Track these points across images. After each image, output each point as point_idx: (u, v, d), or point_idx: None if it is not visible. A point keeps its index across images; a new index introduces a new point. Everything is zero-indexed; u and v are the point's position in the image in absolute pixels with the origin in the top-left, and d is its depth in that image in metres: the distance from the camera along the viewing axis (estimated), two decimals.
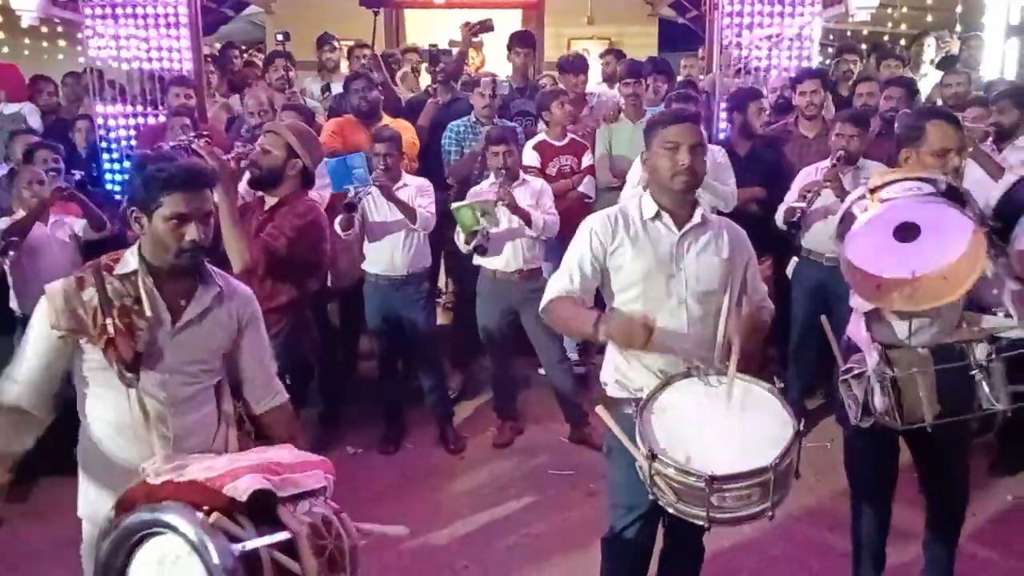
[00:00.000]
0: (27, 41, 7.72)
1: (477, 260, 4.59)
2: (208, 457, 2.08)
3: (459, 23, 5.94)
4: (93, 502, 2.28)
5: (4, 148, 5.11)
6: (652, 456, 2.24)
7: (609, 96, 6.20)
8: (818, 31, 5.73)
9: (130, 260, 2.24)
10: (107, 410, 2.22)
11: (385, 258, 4.52)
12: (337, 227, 4.29)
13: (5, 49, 7.53)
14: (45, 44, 7.89)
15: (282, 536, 1.84)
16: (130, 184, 2.28)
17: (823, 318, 3.01)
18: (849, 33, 8.04)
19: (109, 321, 2.13)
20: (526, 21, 9.22)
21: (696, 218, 2.60)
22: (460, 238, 4.46)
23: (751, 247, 2.74)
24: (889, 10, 6.99)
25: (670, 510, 2.29)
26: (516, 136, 4.71)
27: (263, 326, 2.49)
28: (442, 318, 6.03)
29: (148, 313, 2.18)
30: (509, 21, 8.54)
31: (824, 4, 5.64)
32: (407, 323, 4.62)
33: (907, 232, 2.50)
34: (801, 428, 2.27)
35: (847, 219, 2.61)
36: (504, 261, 4.51)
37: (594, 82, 6.64)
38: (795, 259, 4.63)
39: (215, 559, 1.70)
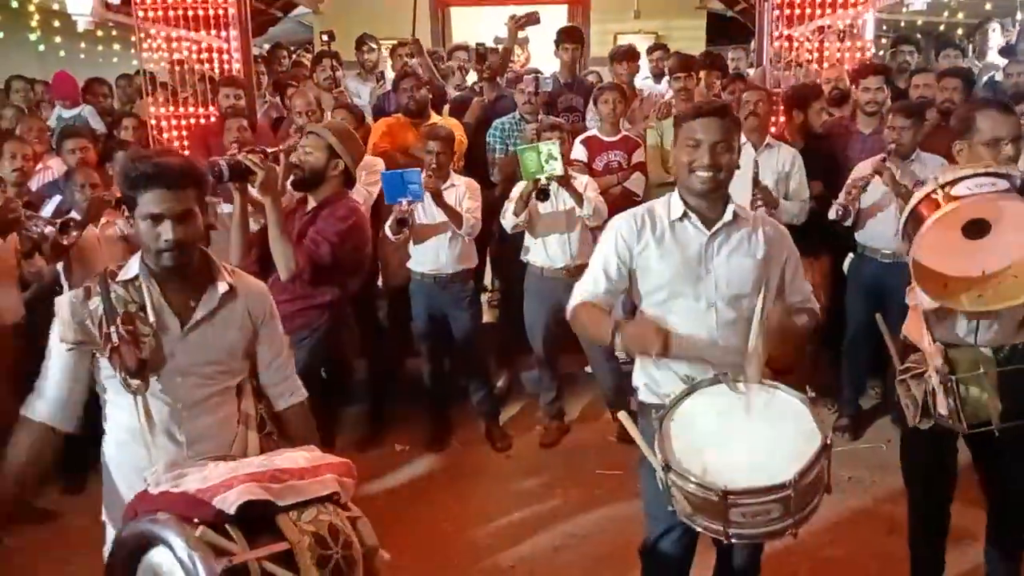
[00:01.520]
0: (83, 45, 7.89)
1: (525, 256, 4.57)
2: (211, 465, 2.04)
3: (504, 20, 5.93)
4: (111, 505, 2.28)
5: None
6: (667, 467, 2.16)
7: (656, 91, 6.12)
8: (871, 22, 5.58)
9: (132, 265, 2.21)
10: (122, 417, 2.21)
11: (431, 257, 4.52)
12: (388, 231, 4.31)
13: (62, 53, 7.72)
14: (100, 48, 8.08)
15: (278, 547, 1.81)
16: (118, 183, 2.25)
17: (878, 316, 2.92)
18: (903, 24, 7.84)
19: (113, 329, 2.10)
20: (572, 16, 9.18)
21: (727, 216, 2.46)
22: (508, 212, 4.40)
23: (792, 245, 2.60)
24: None
25: (687, 522, 2.20)
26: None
27: (279, 322, 2.44)
28: (488, 316, 6.02)
29: (152, 319, 2.15)
30: (555, 17, 8.50)
31: None
32: (453, 322, 4.63)
33: (976, 228, 2.38)
34: (830, 441, 2.14)
35: (914, 217, 2.49)
36: (551, 258, 4.48)
37: (641, 77, 6.56)
38: (851, 255, 4.52)
39: (200, 573, 1.68)
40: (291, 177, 3.41)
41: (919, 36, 6.84)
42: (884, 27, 8.18)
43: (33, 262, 3.77)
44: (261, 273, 3.04)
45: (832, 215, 4.33)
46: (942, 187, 2.42)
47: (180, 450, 2.18)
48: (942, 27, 7.60)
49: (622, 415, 2.39)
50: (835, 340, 4.80)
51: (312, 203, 3.49)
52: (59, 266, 4.12)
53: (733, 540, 2.14)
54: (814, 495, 2.15)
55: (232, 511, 1.79)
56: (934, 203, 2.42)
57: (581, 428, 4.85)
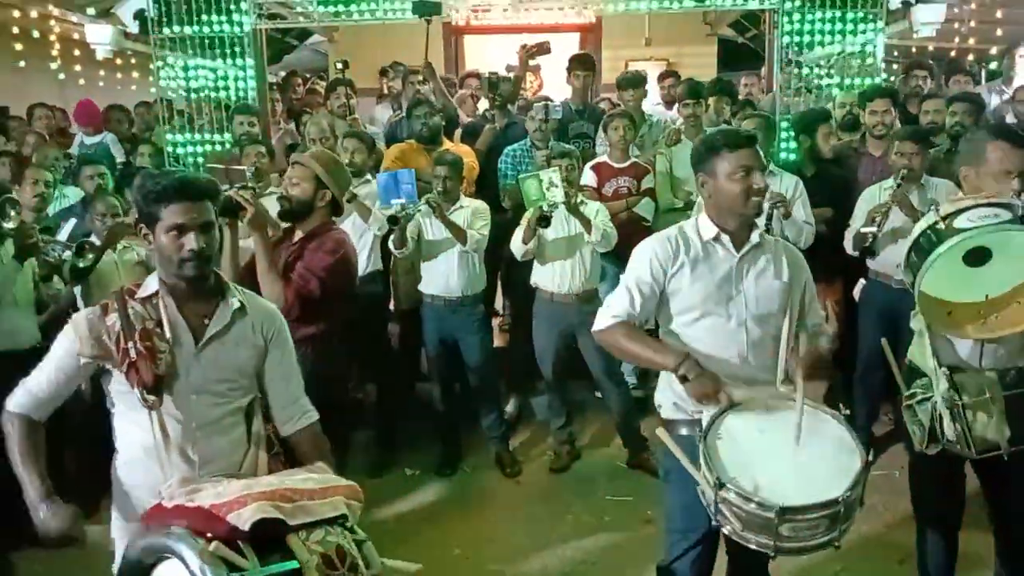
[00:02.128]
0: (102, 72, 8.03)
1: (533, 279, 4.60)
2: (225, 482, 2.08)
3: (516, 48, 6.00)
4: (122, 523, 2.31)
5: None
6: (720, 484, 2.20)
7: (667, 118, 6.16)
8: (881, 48, 5.60)
9: (151, 283, 2.27)
10: (135, 432, 2.24)
11: (441, 280, 4.57)
12: (391, 245, 4.36)
13: (81, 81, 7.85)
14: (119, 75, 8.21)
15: (289, 566, 1.83)
16: (135, 202, 2.30)
17: (883, 341, 2.93)
18: (914, 49, 7.85)
19: (131, 345, 2.15)
20: (584, 44, 9.26)
21: (754, 239, 2.57)
22: (517, 240, 4.46)
23: (808, 269, 2.70)
24: (956, 25, 6.80)
25: (735, 538, 2.25)
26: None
27: (290, 343, 2.47)
28: (499, 340, 6.03)
29: (168, 335, 2.19)
30: (567, 44, 8.58)
31: (887, 21, 5.51)
32: (463, 346, 4.65)
33: (979, 256, 2.41)
34: (870, 458, 2.23)
35: (917, 249, 2.52)
36: (560, 283, 4.50)
37: (651, 104, 6.60)
38: (862, 281, 4.51)
39: None
40: (279, 208, 3.40)
41: (930, 62, 6.84)
42: (895, 53, 8.21)
43: (50, 285, 3.82)
44: None
45: (851, 243, 4.32)
46: (944, 219, 2.44)
47: (192, 469, 2.21)
48: (952, 53, 7.61)
49: (660, 431, 2.47)
50: (847, 365, 4.79)
51: (299, 234, 3.44)
52: (76, 290, 4.17)
53: (779, 554, 2.20)
54: (854, 509, 2.22)
55: (246, 528, 1.82)
56: (936, 235, 2.44)
57: (591, 453, 4.84)
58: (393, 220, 4.32)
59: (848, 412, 2.44)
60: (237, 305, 2.30)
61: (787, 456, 2.29)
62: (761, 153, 2.56)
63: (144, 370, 2.13)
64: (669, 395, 2.63)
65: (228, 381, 2.29)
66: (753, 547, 2.21)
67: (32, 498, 2.15)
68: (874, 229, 4.19)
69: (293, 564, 1.83)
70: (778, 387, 2.46)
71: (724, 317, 2.53)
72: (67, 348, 2.22)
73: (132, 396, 2.18)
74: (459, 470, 4.71)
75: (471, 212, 4.55)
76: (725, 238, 2.55)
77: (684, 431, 2.50)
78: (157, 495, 2.06)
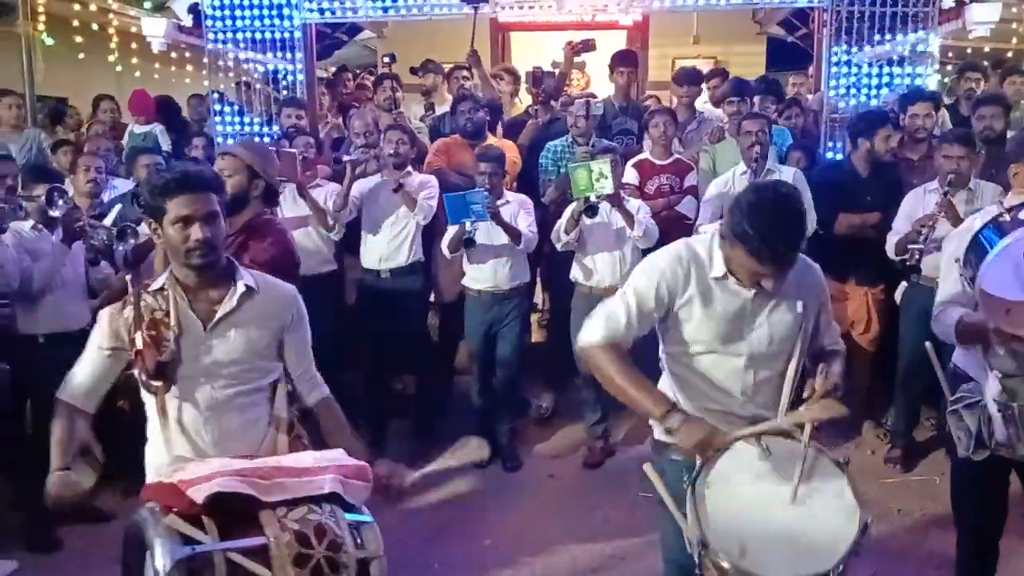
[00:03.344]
0: (157, 66, 8.22)
1: (572, 274, 4.61)
2: (215, 461, 2.15)
3: (562, 45, 6.01)
4: None
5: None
6: (704, 545, 2.08)
7: (715, 116, 6.12)
8: (934, 48, 5.49)
9: (162, 276, 2.36)
10: (152, 416, 2.35)
11: (488, 274, 4.62)
12: (445, 249, 4.43)
13: (137, 73, 8.04)
14: (174, 68, 8.39)
15: (250, 542, 1.86)
16: (143, 197, 2.38)
17: (928, 345, 2.85)
18: (970, 51, 7.67)
19: (139, 335, 2.24)
20: (631, 41, 9.21)
21: None
22: (559, 231, 4.47)
23: (824, 285, 2.53)
24: (1014, 25, 6.63)
25: None
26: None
27: (307, 323, 2.53)
28: (537, 335, 6.05)
29: (174, 324, 2.27)
30: (615, 41, 8.55)
31: (940, 20, 5.39)
32: (500, 337, 4.70)
33: None
34: (870, 521, 2.11)
35: (977, 244, 2.45)
36: (600, 277, 4.51)
37: (702, 102, 6.56)
38: (904, 284, 4.44)
39: (157, 559, 1.78)
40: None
41: (986, 63, 6.68)
42: (950, 54, 8.03)
43: (100, 269, 3.93)
44: None
45: (894, 250, 4.24)
46: (1008, 211, 2.37)
47: (199, 450, 2.28)
48: (1009, 53, 7.41)
49: (647, 467, 2.29)
50: (888, 369, 4.71)
51: (232, 228, 3.18)
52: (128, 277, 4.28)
53: None
54: (848, 569, 2.10)
55: (201, 501, 1.88)
56: (999, 228, 2.37)
57: (626, 450, 4.83)
58: (469, 242, 4.37)
59: (848, 460, 2.24)
60: (243, 289, 2.36)
61: (780, 514, 2.14)
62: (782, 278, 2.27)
63: (148, 358, 2.22)
64: None
65: (240, 363, 2.34)
66: None
67: (51, 469, 2.26)
68: (920, 245, 4.10)
69: (257, 540, 1.87)
70: (780, 422, 2.28)
71: (732, 355, 2.37)
72: (95, 341, 2.35)
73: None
74: (493, 463, 4.72)
75: (517, 206, 4.59)
76: (735, 277, 2.34)
77: (676, 456, 2.32)
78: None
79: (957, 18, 5.57)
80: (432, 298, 5.25)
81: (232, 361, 2.33)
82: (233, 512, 1.90)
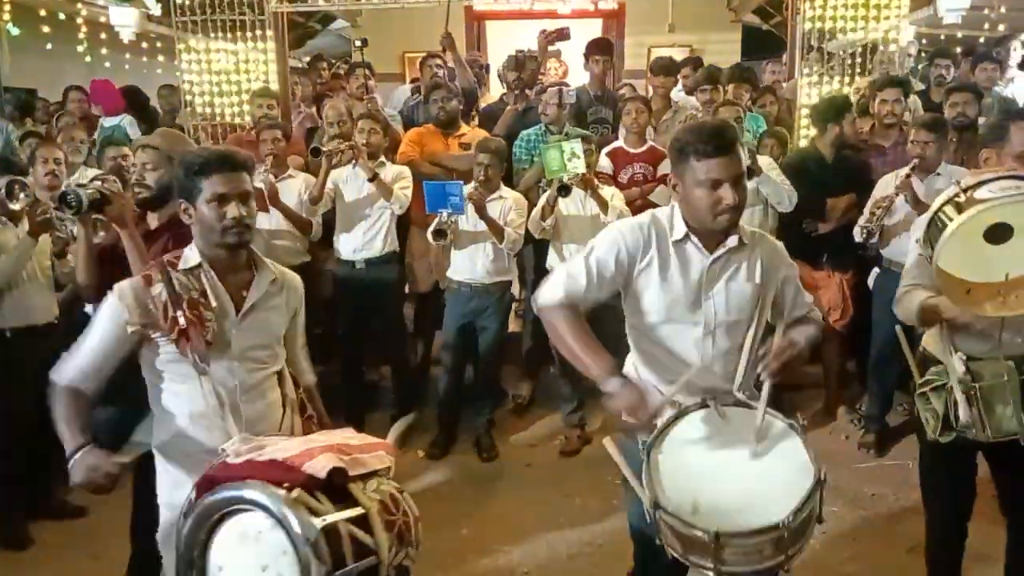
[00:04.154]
0: (127, 56, 8.10)
1: (548, 263, 4.60)
2: (282, 439, 2.19)
3: (540, 31, 5.99)
4: (171, 488, 2.38)
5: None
6: (656, 505, 2.09)
7: (690, 104, 6.12)
8: (907, 35, 5.52)
9: (191, 256, 2.34)
10: (182, 401, 2.32)
11: (467, 266, 4.59)
12: (429, 237, 4.39)
13: (107, 64, 7.94)
14: (145, 59, 8.28)
15: (357, 511, 1.91)
16: (176, 180, 2.38)
17: (899, 330, 2.87)
18: (943, 37, 7.73)
19: (180, 313, 2.24)
20: (606, 30, 9.22)
21: (731, 242, 2.37)
22: (535, 218, 4.47)
23: (789, 260, 2.53)
24: (986, 11, 6.67)
25: (678, 558, 2.13)
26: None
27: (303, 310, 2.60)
28: (514, 325, 6.04)
29: (214, 304, 2.28)
30: (590, 30, 8.54)
31: (911, 7, 5.42)
32: (480, 331, 4.68)
33: (999, 233, 2.31)
34: (823, 477, 2.08)
35: (935, 224, 2.45)
36: None
37: (677, 90, 6.57)
38: (876, 270, 4.48)
39: (299, 530, 1.78)
40: (136, 197, 3.06)
41: (958, 50, 6.73)
42: (924, 41, 8.08)
43: (66, 262, 3.88)
44: None
45: (857, 237, 4.31)
46: (964, 191, 2.38)
47: (239, 430, 2.27)
48: (982, 40, 7.46)
49: (607, 441, 2.30)
50: (862, 355, 4.75)
51: (155, 222, 3.05)
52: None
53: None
54: (806, 529, 2.10)
55: (323, 475, 1.90)
56: (956, 207, 2.38)
57: (602, 438, 4.81)
58: (439, 234, 4.32)
59: (805, 422, 2.23)
60: (271, 277, 2.41)
61: (734, 473, 2.15)
62: (743, 157, 2.29)
63: (195, 338, 2.23)
64: None
65: (265, 347, 2.40)
66: (697, 569, 2.10)
67: (68, 452, 2.21)
68: (870, 226, 4.19)
69: (360, 510, 1.92)
70: (735, 392, 2.32)
71: (690, 324, 2.38)
72: (113, 318, 2.28)
73: (180, 365, 2.28)
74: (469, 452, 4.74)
75: (510, 204, 4.55)
76: (695, 239, 2.36)
77: (644, 436, 2.29)
78: (220, 453, 2.11)
79: (928, 5, 5.59)
80: (407, 289, 5.23)
81: (259, 346, 2.38)
82: (327, 487, 1.93)
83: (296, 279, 2.56)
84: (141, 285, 2.30)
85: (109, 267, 2.89)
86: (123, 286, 2.32)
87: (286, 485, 1.88)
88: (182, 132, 5.71)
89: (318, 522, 1.81)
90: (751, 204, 4.51)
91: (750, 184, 4.45)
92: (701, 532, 2.00)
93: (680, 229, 2.37)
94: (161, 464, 2.42)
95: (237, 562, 1.90)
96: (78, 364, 2.30)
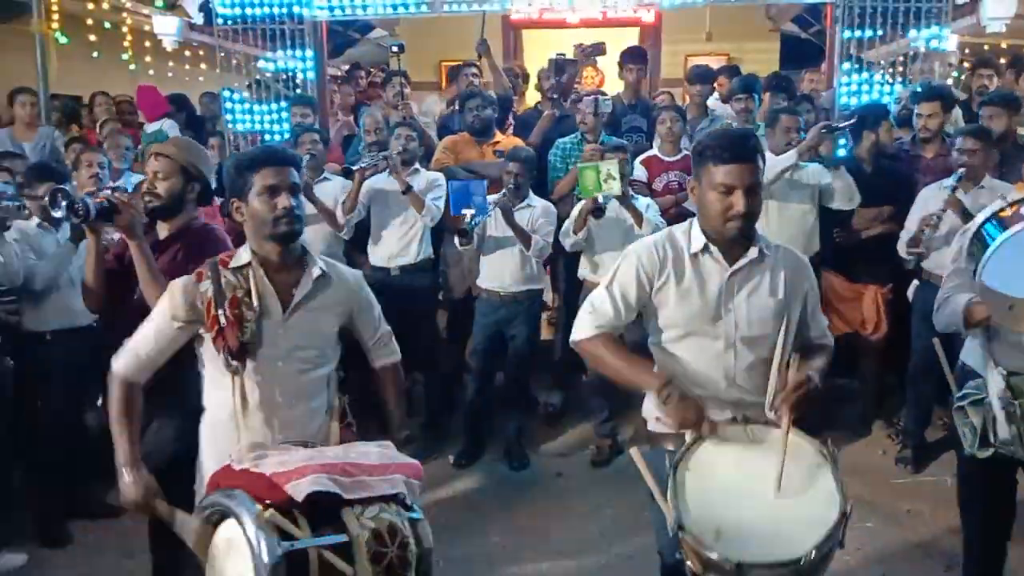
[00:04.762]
0: (171, 64, 8.26)
1: (581, 272, 4.60)
2: (292, 450, 2.17)
3: (574, 43, 5.99)
4: (203, 480, 2.42)
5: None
6: (680, 526, 2.07)
7: (727, 113, 6.08)
8: (950, 45, 5.43)
9: (243, 255, 2.40)
10: (221, 396, 2.38)
11: (496, 273, 4.60)
12: (456, 241, 4.40)
13: (151, 72, 8.09)
14: (187, 67, 8.43)
15: (338, 539, 1.88)
16: (226, 179, 2.45)
17: (936, 341, 2.82)
18: (987, 47, 7.59)
19: (221, 312, 2.28)
20: (643, 39, 9.17)
21: (751, 253, 2.35)
22: (567, 231, 4.48)
23: (812, 276, 2.51)
24: None
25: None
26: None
27: (375, 305, 2.63)
28: (546, 333, 6.03)
29: (255, 304, 2.31)
30: (627, 38, 8.51)
31: (953, 16, 5.34)
32: (510, 339, 4.68)
33: None
34: (849, 510, 2.05)
35: (979, 238, 2.43)
36: (608, 274, 4.48)
37: (714, 99, 6.54)
38: (916, 282, 4.40)
39: (262, 552, 1.78)
40: (147, 206, 3.01)
41: (1002, 60, 6.60)
42: (966, 51, 7.94)
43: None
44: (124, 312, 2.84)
45: (903, 254, 4.24)
46: (1011, 205, 2.35)
47: (271, 434, 2.33)
48: None
49: (633, 451, 2.26)
50: (900, 368, 4.67)
51: (165, 232, 3.03)
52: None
53: None
54: (827, 558, 2.08)
55: (300, 499, 1.90)
56: (1000, 222, 2.34)
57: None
58: (463, 233, 4.32)
59: (835, 449, 2.21)
60: (318, 273, 2.42)
61: (759, 499, 2.13)
62: (760, 167, 2.29)
63: (230, 336, 2.27)
64: (653, 410, 2.46)
65: (313, 348, 2.42)
66: None
67: (119, 461, 2.30)
68: (920, 249, 4.13)
69: (342, 537, 1.89)
70: (767, 413, 2.28)
71: (711, 338, 2.35)
72: (164, 312, 2.36)
73: (219, 360, 2.33)
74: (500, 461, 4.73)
75: (540, 211, 4.56)
76: (715, 250, 2.35)
77: (671, 446, 2.32)
78: (228, 457, 2.16)
79: (972, 14, 5.49)
80: (441, 296, 5.25)
81: (306, 346, 2.40)
82: (317, 507, 1.93)
83: (352, 277, 2.57)
84: (192, 281, 2.36)
85: (119, 277, 2.95)
86: (177, 282, 2.39)
87: (267, 502, 1.89)
88: (222, 139, 5.85)
89: (285, 545, 1.80)
90: (800, 202, 4.48)
91: (804, 189, 4.45)
92: (723, 560, 1.99)
93: (699, 241, 2.36)
94: (200, 457, 2.48)
95: (228, 565, 1.94)
96: (135, 351, 2.38)
